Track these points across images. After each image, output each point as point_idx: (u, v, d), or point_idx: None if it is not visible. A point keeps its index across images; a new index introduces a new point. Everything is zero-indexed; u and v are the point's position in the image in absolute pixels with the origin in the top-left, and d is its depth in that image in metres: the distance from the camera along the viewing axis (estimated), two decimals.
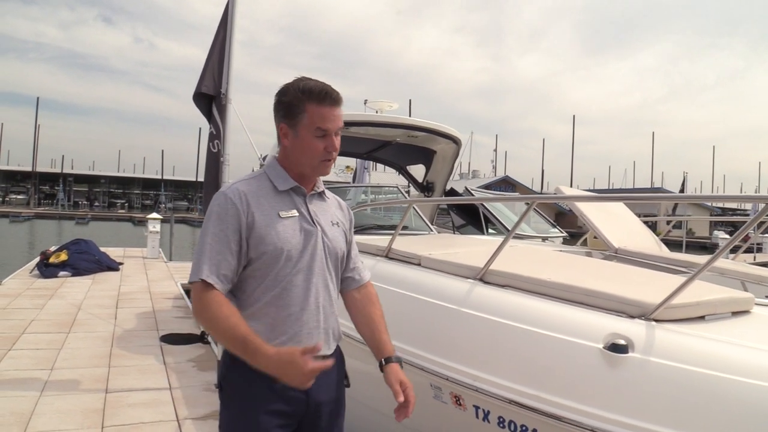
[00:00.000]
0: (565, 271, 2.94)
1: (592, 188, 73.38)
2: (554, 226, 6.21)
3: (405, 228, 5.12)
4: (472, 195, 6.04)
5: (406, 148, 7.73)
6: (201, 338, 6.07)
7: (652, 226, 7.13)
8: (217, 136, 4.59)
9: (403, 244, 3.49)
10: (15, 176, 74.89)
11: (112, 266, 11.78)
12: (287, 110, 1.88)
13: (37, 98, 67.63)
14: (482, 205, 5.82)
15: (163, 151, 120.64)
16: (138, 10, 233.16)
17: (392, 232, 4.98)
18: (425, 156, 7.87)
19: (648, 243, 5.20)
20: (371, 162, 13.78)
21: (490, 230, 6.09)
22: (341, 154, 7.40)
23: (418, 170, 8.51)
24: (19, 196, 70.30)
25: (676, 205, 31.71)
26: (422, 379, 2.72)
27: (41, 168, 71.84)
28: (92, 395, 4.48)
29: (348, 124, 6.25)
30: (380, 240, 3.99)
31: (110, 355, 5.56)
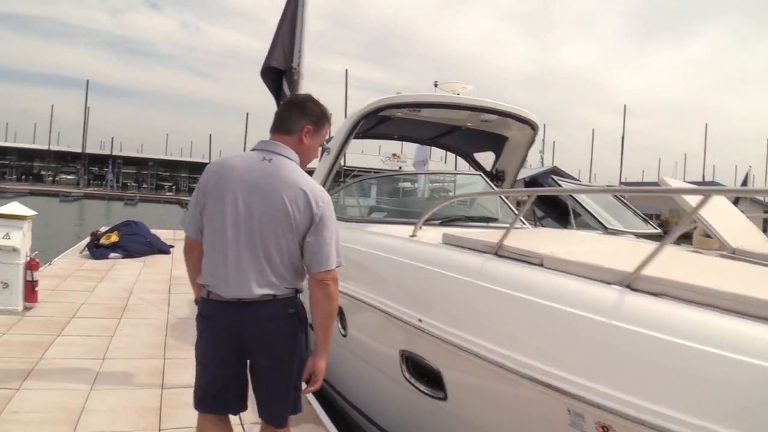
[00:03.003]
0: (725, 278, 2.41)
1: (641, 181, 71.16)
2: (646, 222, 5.61)
3: (492, 220, 4.62)
4: (560, 186, 5.49)
5: (476, 134, 7.21)
6: None
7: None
8: None
9: (512, 239, 2.99)
10: (65, 157, 76.52)
11: (163, 249, 11.59)
12: (318, 120, 2.50)
13: (87, 81, 68.76)
14: (571, 197, 5.27)
15: (210, 135, 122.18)
16: None
17: (481, 224, 4.53)
18: (496, 143, 7.34)
19: (759, 241, 4.58)
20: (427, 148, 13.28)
21: (576, 223, 5.54)
22: (404, 138, 6.83)
23: (485, 158, 8.01)
24: (69, 177, 72.02)
25: (737, 200, 30.23)
26: (556, 403, 2.24)
27: (90, 150, 73.29)
28: (147, 391, 4.13)
29: (420, 105, 5.78)
30: (475, 234, 3.51)
31: (165, 346, 5.24)
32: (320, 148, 6.62)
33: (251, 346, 2.33)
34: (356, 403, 4.39)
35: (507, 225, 4.54)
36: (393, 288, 3.63)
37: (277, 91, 4.20)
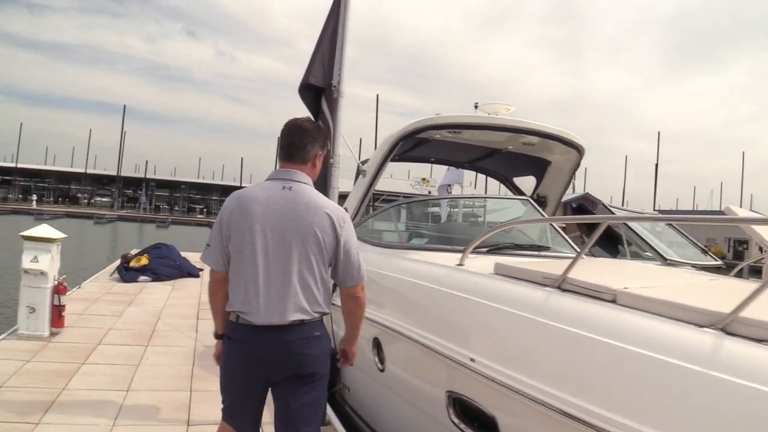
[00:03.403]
0: None
1: (675, 209, 69.55)
2: (706, 253, 5.22)
3: (543, 249, 4.30)
4: (611, 212, 5.16)
5: (516, 157, 6.91)
6: None
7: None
8: None
9: (576, 272, 2.68)
10: (101, 180, 78.21)
11: (192, 272, 11.44)
12: (325, 143, 2.65)
13: (124, 106, 70.98)
14: (625, 224, 4.93)
15: (242, 159, 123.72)
16: (220, 24, 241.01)
17: (532, 253, 4.20)
18: (537, 167, 7.03)
19: None
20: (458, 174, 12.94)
21: (629, 252, 5.18)
22: (441, 162, 6.46)
23: (525, 183, 7.69)
24: (104, 199, 73.52)
25: None
26: None
27: (125, 173, 74.73)
28: (172, 428, 3.87)
29: (462, 126, 5.51)
30: (532, 264, 3.20)
31: (192, 377, 4.99)
32: (357, 170, 6.41)
33: (279, 369, 2.40)
34: None
35: (559, 254, 4.26)
36: (440, 322, 3.33)
37: (315, 109, 3.99)
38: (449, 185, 13.40)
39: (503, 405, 2.68)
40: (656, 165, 65.37)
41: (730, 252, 40.41)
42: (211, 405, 4.22)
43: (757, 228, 3.89)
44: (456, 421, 3.10)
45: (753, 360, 1.86)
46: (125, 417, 3.97)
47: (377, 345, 4.08)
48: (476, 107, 5.98)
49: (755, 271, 4.71)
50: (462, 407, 3.07)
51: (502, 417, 2.72)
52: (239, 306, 2.40)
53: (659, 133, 68.48)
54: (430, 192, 39.63)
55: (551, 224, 4.57)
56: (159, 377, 4.93)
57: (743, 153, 74.26)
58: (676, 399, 1.94)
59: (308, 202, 2.42)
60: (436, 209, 6.77)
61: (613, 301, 2.43)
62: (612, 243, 5.49)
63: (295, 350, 2.37)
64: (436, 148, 6.72)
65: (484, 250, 4.01)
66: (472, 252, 3.81)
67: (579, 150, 6.16)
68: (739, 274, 4.85)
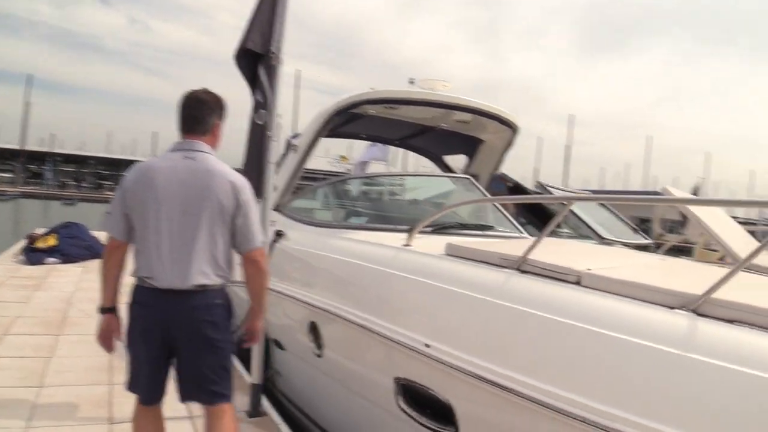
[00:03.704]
0: None
1: (600, 189, 72.53)
2: (636, 232, 5.32)
3: (487, 228, 4.21)
4: (549, 192, 5.14)
5: (449, 135, 6.83)
6: None
7: None
8: (263, 104, 3.63)
9: (535, 253, 2.58)
10: (2, 154, 72.90)
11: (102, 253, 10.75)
12: (222, 112, 2.71)
13: (30, 76, 66.01)
14: (563, 205, 4.92)
15: (154, 133, 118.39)
16: None
17: (477, 233, 4.08)
18: (470, 145, 6.98)
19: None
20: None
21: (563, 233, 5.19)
22: (372, 138, 6.27)
23: (456, 161, 7.65)
24: (5, 174, 68.59)
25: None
26: None
27: (29, 147, 70.13)
28: (93, 427, 3.54)
29: (400, 102, 5.33)
30: (487, 245, 3.09)
31: (111, 369, 4.59)
32: (286, 145, 6.12)
33: (180, 334, 2.49)
34: None
35: (504, 233, 4.18)
36: (387, 305, 3.17)
37: (252, 77, 3.69)
38: (366, 162, 13.13)
39: (461, 392, 2.57)
40: (567, 147, 67.84)
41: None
42: (132, 400, 3.89)
43: (694, 209, 3.95)
44: (405, 407, 2.97)
45: (727, 340, 1.82)
46: (40, 417, 3.61)
47: (313, 329, 3.89)
48: (412, 83, 5.82)
49: (680, 251, 4.83)
50: (412, 394, 2.94)
51: (458, 403, 2.60)
52: (144, 272, 2.50)
53: (570, 115, 71.01)
54: (349, 170, 39.45)
55: (494, 204, 4.50)
56: (74, 370, 4.53)
57: (648, 137, 77.39)
58: (649, 381, 1.89)
59: (210, 170, 2.51)
60: (373, 187, 6.55)
61: (578, 283, 2.35)
62: (545, 222, 5.50)
63: (197, 316, 2.48)
64: (368, 124, 6.52)
65: (429, 230, 3.87)
66: (416, 232, 3.68)
67: (513, 128, 6.14)
68: (670, 254, 4.94)
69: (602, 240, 4.63)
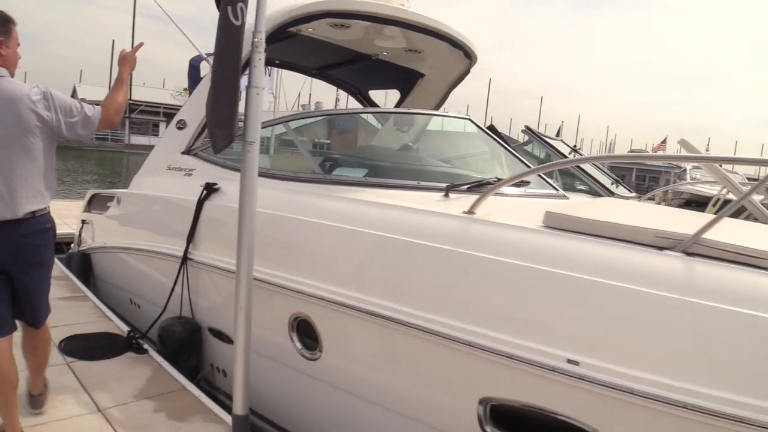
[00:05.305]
0: None
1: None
2: (619, 184, 4.80)
3: (525, 184, 3.31)
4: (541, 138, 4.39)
5: (382, 67, 5.79)
6: (131, 341, 3.79)
7: None
8: None
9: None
10: None
11: None
12: (3, 27, 2.50)
13: None
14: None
15: None
16: None
17: (518, 191, 3.18)
18: (406, 79, 6.01)
19: None
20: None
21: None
22: (285, 65, 4.76)
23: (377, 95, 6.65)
24: None
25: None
26: None
27: None
28: None
29: (366, 17, 4.16)
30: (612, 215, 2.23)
31: None
32: (190, 68, 4.68)
33: (15, 260, 2.46)
34: None
35: (546, 190, 3.35)
36: (469, 303, 2.22)
37: None
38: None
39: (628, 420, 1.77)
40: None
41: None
42: None
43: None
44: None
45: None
46: None
47: (302, 326, 2.86)
48: None
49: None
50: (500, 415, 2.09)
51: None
52: None
53: None
54: None
55: (508, 150, 3.62)
56: None
57: (490, 80, 79.47)
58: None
59: (7, 96, 2.37)
60: (350, 129, 5.28)
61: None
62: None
63: (29, 242, 2.48)
64: (293, 46, 5.28)
65: (464, 188, 2.92)
66: (451, 192, 2.73)
67: (471, 57, 5.22)
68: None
69: (612, 195, 4.02)
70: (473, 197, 2.62)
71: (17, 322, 2.58)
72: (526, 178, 3.17)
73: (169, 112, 42.58)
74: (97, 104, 2.65)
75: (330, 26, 4.60)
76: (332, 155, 3.90)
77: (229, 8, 2.39)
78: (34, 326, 2.65)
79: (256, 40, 2.41)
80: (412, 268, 2.39)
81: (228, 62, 2.46)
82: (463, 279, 2.24)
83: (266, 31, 3.85)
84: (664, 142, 47.12)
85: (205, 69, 5.03)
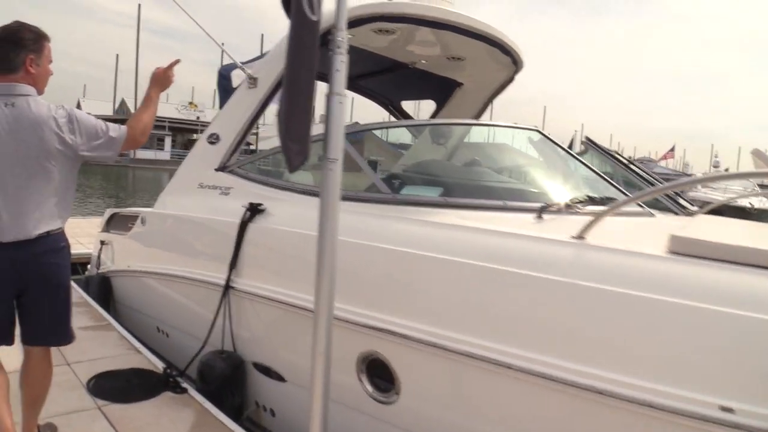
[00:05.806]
0: None
1: None
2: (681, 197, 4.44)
3: (609, 201, 2.98)
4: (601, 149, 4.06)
5: (421, 76, 5.48)
6: (167, 378, 3.44)
7: None
8: None
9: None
10: None
11: None
12: (36, 44, 2.44)
13: None
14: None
15: None
16: None
17: (600, 208, 2.81)
18: (441, 89, 5.71)
19: None
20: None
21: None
22: (319, 77, 4.09)
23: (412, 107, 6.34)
24: None
25: None
26: None
27: None
28: None
29: (427, 22, 3.85)
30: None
31: None
32: (246, 78, 4.35)
33: (29, 280, 2.42)
34: None
35: (630, 209, 3.00)
36: (606, 347, 1.89)
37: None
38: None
39: None
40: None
41: None
42: None
43: None
44: None
45: None
46: None
47: (373, 365, 2.53)
48: None
49: None
50: None
51: None
52: None
53: None
54: (198, 117, 35.96)
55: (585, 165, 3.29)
56: None
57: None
58: None
59: (34, 115, 2.34)
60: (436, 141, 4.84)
61: None
62: None
63: (43, 261, 2.43)
64: (323, 55, 4.95)
65: (536, 206, 2.59)
66: (545, 213, 2.40)
67: (517, 66, 4.90)
68: None
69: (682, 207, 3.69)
70: (571, 219, 2.28)
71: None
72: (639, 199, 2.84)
73: (174, 126, 42.43)
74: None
75: (374, 32, 4.29)
76: (396, 172, 3.56)
77: (296, 10, 2.06)
78: (55, 344, 2.63)
79: (339, 39, 2.07)
80: (518, 304, 2.06)
81: (303, 64, 2.12)
82: (586, 317, 1.91)
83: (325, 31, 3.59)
84: (672, 150, 46.85)
85: (237, 79, 4.72)
